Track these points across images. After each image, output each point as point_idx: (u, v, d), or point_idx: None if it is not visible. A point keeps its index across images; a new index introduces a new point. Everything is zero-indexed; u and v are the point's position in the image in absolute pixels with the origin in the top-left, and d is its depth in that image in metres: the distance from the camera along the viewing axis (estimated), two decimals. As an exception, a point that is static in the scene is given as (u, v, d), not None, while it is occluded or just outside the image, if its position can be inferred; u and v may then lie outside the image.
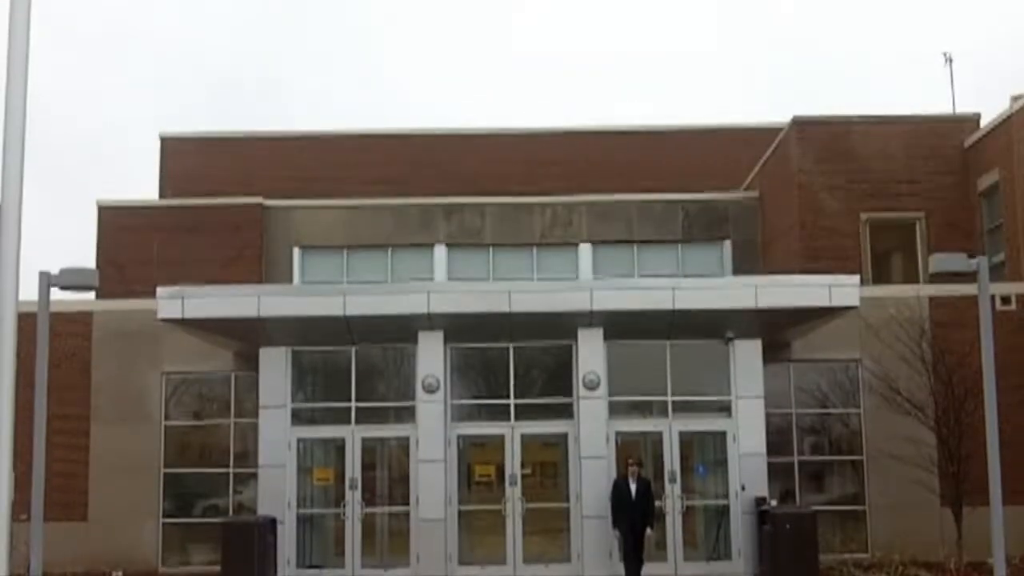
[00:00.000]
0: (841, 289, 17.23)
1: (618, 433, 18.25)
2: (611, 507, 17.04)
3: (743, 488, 17.80)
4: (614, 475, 17.78)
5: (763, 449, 17.96)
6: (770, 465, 18.09)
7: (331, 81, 61.83)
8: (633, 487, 16.71)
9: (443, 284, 24.21)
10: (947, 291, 18.82)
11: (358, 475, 18.32)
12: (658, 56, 60.65)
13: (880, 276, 22.76)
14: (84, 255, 38.20)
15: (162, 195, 28.37)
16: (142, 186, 46.54)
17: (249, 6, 62.96)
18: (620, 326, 17.81)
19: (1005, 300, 19.31)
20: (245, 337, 18.25)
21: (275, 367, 18.27)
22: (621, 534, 16.86)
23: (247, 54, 63.12)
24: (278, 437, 18.12)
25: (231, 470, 19.74)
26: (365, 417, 18.51)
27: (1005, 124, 21.49)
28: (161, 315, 17.29)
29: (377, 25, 65.56)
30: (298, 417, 18.44)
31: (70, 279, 12.73)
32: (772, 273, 23.32)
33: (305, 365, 18.69)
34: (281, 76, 62.51)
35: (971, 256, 13.21)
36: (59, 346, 18.09)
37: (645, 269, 25.73)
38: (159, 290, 17.38)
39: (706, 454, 18.76)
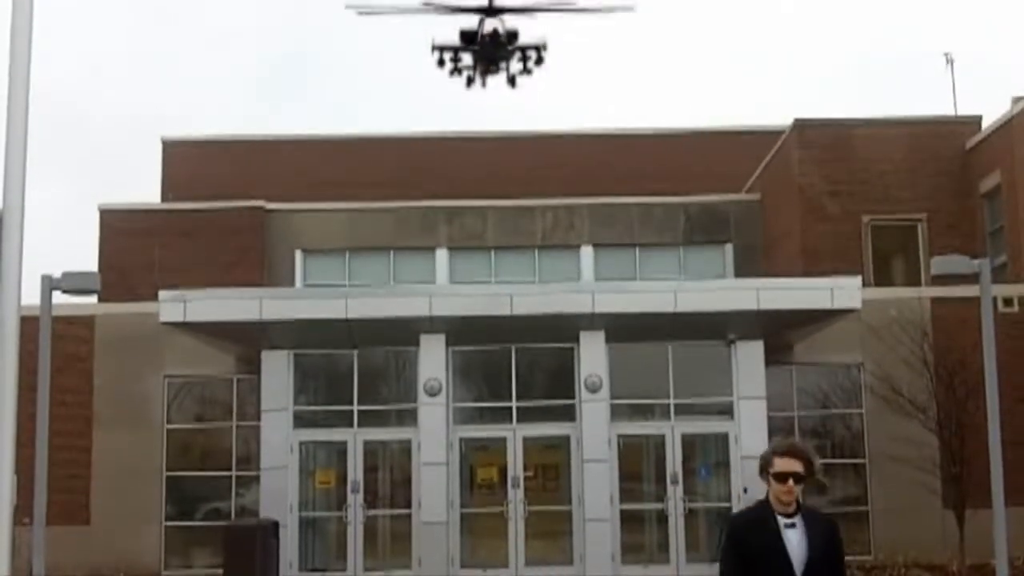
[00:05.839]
0: (843, 291, 17.22)
1: (620, 436, 18.24)
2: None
3: (745, 490, 17.76)
4: (616, 478, 17.77)
5: (765, 451, 17.91)
6: (772, 467, 18.03)
7: (331, 83, 61.92)
8: (795, 532, 5.99)
9: (445, 287, 24.18)
10: (949, 293, 18.81)
11: (360, 478, 18.32)
12: (658, 58, 60.72)
13: (881, 278, 22.74)
14: (86, 259, 38.26)
15: (164, 199, 28.37)
16: (144, 190, 46.74)
17: (254, 10, 63.08)
18: (622, 328, 17.81)
19: (1007, 302, 19.31)
20: (247, 340, 18.25)
21: (277, 370, 18.27)
22: None
23: (250, 57, 63.24)
24: (280, 440, 18.12)
25: (233, 473, 19.73)
26: (367, 420, 18.52)
27: (1006, 126, 21.49)
28: (163, 318, 17.28)
29: (378, 25, 65.65)
30: (300, 420, 18.44)
31: (72, 283, 12.78)
32: (773, 276, 23.30)
33: (307, 368, 18.69)
34: (285, 79, 62.62)
35: (973, 258, 13.22)
36: (61, 350, 18.08)
37: (646, 272, 25.69)
38: (161, 293, 17.37)
39: (708, 456, 18.76)
